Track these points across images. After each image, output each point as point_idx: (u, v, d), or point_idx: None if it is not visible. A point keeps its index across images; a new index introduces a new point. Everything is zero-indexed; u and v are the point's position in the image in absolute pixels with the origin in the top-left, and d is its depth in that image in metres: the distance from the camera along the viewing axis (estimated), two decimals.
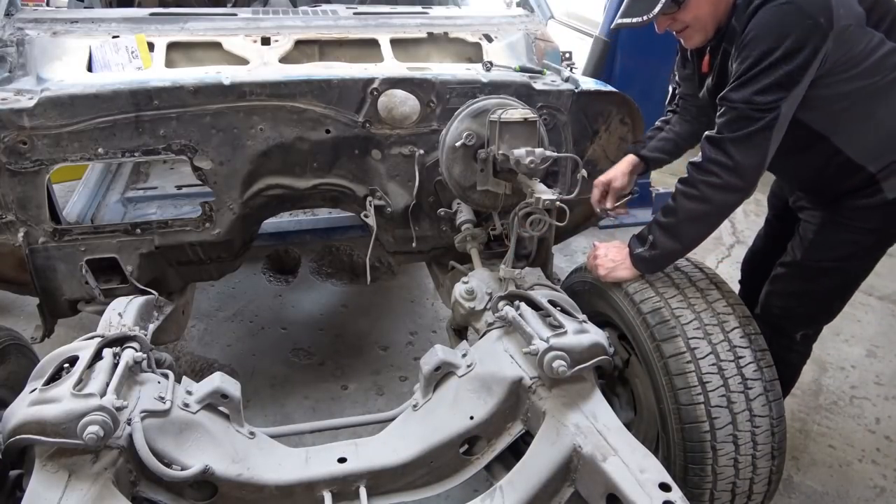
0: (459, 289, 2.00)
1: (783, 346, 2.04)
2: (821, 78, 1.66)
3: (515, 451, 1.74)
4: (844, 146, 1.78)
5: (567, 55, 2.41)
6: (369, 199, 2.13)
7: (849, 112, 1.74)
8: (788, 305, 2.06)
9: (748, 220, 4.45)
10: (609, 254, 1.93)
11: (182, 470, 1.49)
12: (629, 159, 2.14)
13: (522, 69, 2.25)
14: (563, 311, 1.80)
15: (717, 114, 1.71)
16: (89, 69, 2.11)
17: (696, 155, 1.80)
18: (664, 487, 1.44)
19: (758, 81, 1.61)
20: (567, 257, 3.84)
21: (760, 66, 1.60)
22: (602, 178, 2.13)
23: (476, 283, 2.01)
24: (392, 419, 1.82)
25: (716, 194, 1.71)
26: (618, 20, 1.79)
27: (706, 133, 1.74)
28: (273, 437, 1.75)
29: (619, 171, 2.12)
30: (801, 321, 2.09)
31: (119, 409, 1.44)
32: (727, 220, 4.28)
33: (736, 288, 1.97)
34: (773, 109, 1.61)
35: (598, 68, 3.90)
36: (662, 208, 1.82)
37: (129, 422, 1.48)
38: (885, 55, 1.68)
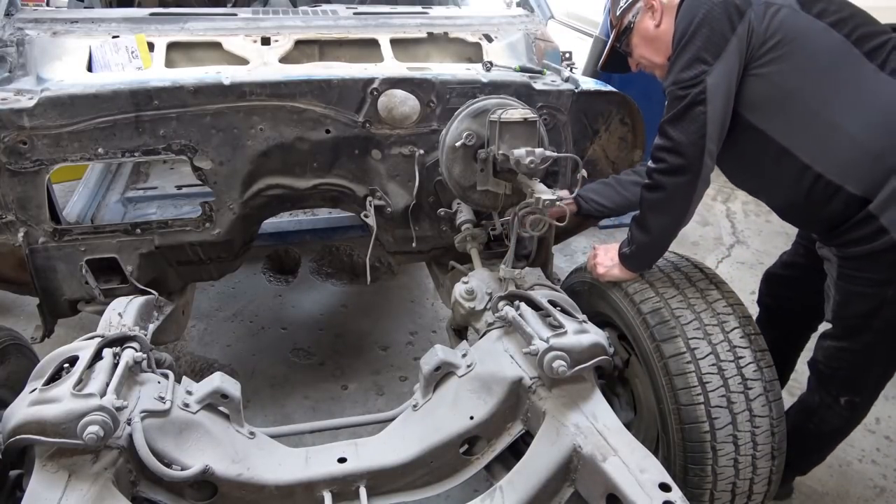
0: (459, 289, 2.00)
1: (825, 403, 1.92)
2: (758, 65, 1.65)
3: (515, 451, 1.74)
4: (812, 161, 1.67)
5: (567, 55, 2.41)
6: (369, 199, 2.13)
7: (805, 115, 1.66)
8: (829, 365, 1.89)
9: (748, 219, 4.45)
10: (607, 254, 1.95)
11: (182, 470, 1.49)
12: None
13: (522, 69, 2.25)
14: (563, 311, 1.80)
15: None
16: (89, 69, 2.11)
17: None
18: (664, 487, 1.44)
19: (679, 61, 1.66)
20: (567, 257, 3.84)
21: (678, 48, 1.67)
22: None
23: (476, 283, 2.01)
24: (392, 419, 1.82)
25: (666, 179, 1.72)
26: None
27: None
28: (273, 437, 1.75)
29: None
30: (842, 384, 1.89)
31: (119, 409, 1.44)
32: (727, 220, 4.35)
33: (736, 288, 1.95)
34: (698, 83, 1.62)
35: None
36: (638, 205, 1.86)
37: (129, 422, 1.49)
38: (832, 48, 1.63)
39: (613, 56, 2.02)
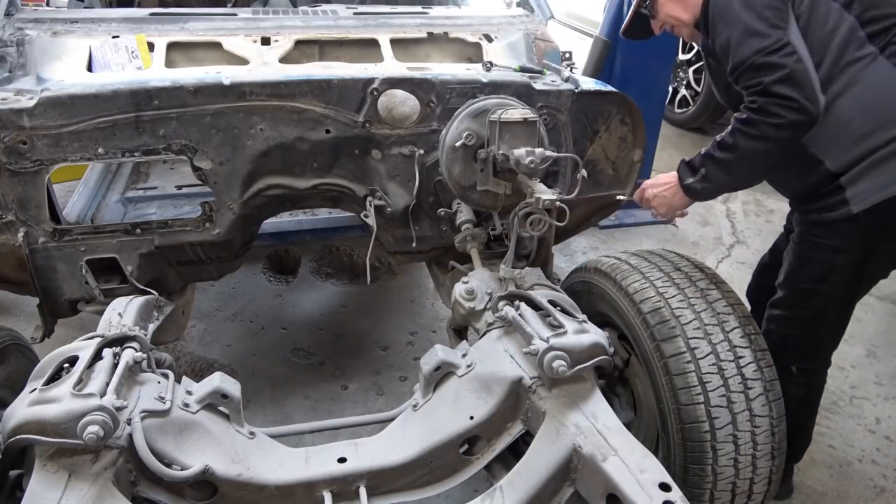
0: (459, 289, 2.00)
1: (782, 377, 1.89)
2: None
3: (515, 451, 1.74)
4: None
5: (567, 55, 2.41)
6: (369, 199, 2.13)
7: None
8: (780, 333, 2.01)
9: (748, 219, 4.45)
10: (658, 190, 2.00)
11: (182, 470, 1.49)
12: None
13: (522, 69, 2.25)
14: (563, 311, 1.80)
15: (740, 87, 1.76)
16: (89, 69, 2.11)
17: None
18: (664, 487, 1.44)
19: (750, 34, 1.67)
20: (567, 257, 3.84)
21: (742, 22, 1.69)
22: None
23: (476, 283, 2.01)
24: (392, 419, 1.82)
25: (779, 132, 1.70)
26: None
27: (746, 93, 1.75)
28: (273, 437, 1.75)
29: None
30: (794, 352, 2.01)
31: (119, 409, 1.44)
32: (727, 220, 4.36)
33: (736, 288, 1.94)
34: (782, 47, 1.64)
35: (598, 68, 3.90)
36: (718, 143, 1.83)
37: (129, 422, 1.49)
38: (844, 30, 1.68)
39: (636, 20, 2.06)
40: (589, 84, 2.17)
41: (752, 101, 1.71)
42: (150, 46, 2.18)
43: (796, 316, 1.96)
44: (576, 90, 2.12)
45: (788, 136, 1.71)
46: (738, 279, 3.58)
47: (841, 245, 1.79)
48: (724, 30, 1.74)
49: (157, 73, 2.04)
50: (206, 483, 1.55)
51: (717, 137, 1.84)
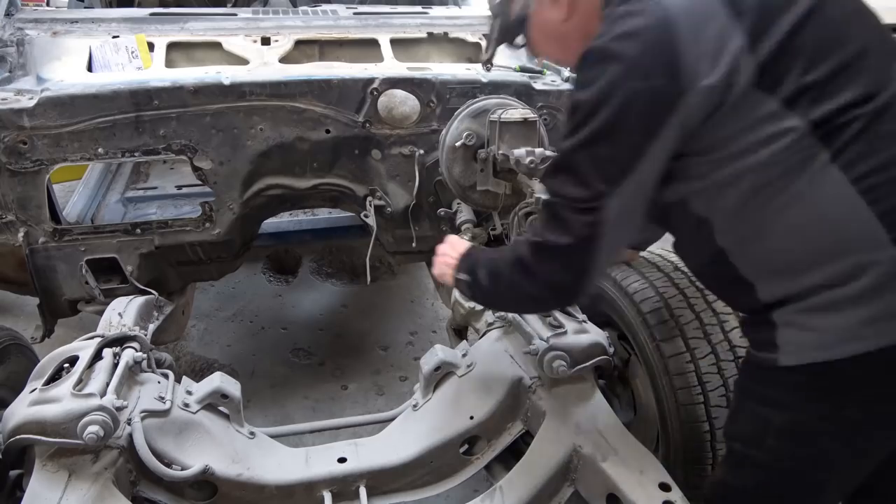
0: None
1: None
2: (681, 158, 1.14)
3: (515, 451, 1.74)
4: (727, 244, 1.19)
5: None
6: (369, 199, 2.13)
7: (735, 207, 1.14)
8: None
9: None
10: (442, 255, 1.57)
11: (182, 470, 1.49)
12: None
13: (522, 69, 2.24)
14: (563, 311, 1.80)
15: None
16: (89, 69, 2.11)
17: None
18: (664, 487, 1.44)
19: (569, 170, 1.16)
20: None
21: (568, 147, 1.15)
22: None
23: None
24: (392, 419, 1.82)
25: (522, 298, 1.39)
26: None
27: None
28: (273, 437, 1.75)
29: None
30: None
31: (119, 408, 1.44)
32: None
33: None
34: (592, 209, 1.14)
35: None
36: (488, 262, 1.42)
37: (129, 422, 1.48)
38: (780, 134, 1.06)
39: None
40: None
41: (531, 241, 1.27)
42: (150, 46, 2.18)
43: (727, 485, 1.36)
44: None
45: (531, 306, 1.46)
46: None
47: (779, 399, 1.19)
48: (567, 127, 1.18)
49: (157, 73, 2.04)
50: (206, 483, 1.55)
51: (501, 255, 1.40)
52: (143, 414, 1.51)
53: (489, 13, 1.47)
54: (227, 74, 1.92)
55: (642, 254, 2.03)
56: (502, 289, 1.38)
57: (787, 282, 1.15)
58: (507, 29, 1.43)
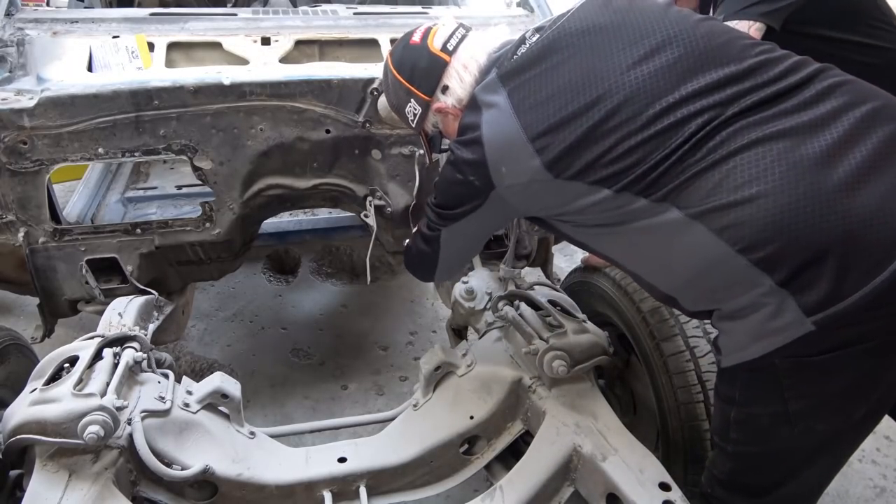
0: (459, 289, 2.01)
1: None
2: (538, 219, 1.49)
3: (515, 451, 1.74)
4: (636, 270, 1.41)
5: None
6: (369, 199, 2.13)
7: (620, 247, 1.39)
8: (706, 492, 1.51)
9: None
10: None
11: (182, 470, 1.50)
12: None
13: None
14: (563, 310, 1.80)
15: None
16: (89, 69, 2.10)
17: None
18: (664, 487, 1.44)
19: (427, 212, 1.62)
20: (567, 257, 3.84)
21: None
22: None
23: (476, 282, 2.01)
24: (392, 419, 1.82)
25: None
26: None
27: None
28: (273, 436, 1.75)
29: None
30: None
31: (119, 408, 1.44)
32: None
33: None
34: (434, 229, 1.59)
35: None
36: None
37: (129, 422, 1.49)
38: (603, 203, 1.27)
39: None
40: None
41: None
42: (151, 46, 2.18)
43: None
44: None
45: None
46: None
47: (730, 395, 1.33)
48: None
49: (157, 73, 2.04)
50: (207, 483, 1.55)
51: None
52: (143, 414, 1.51)
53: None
54: (227, 74, 1.92)
55: None
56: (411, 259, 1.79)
57: (699, 298, 1.30)
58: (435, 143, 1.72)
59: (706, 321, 1.43)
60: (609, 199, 1.26)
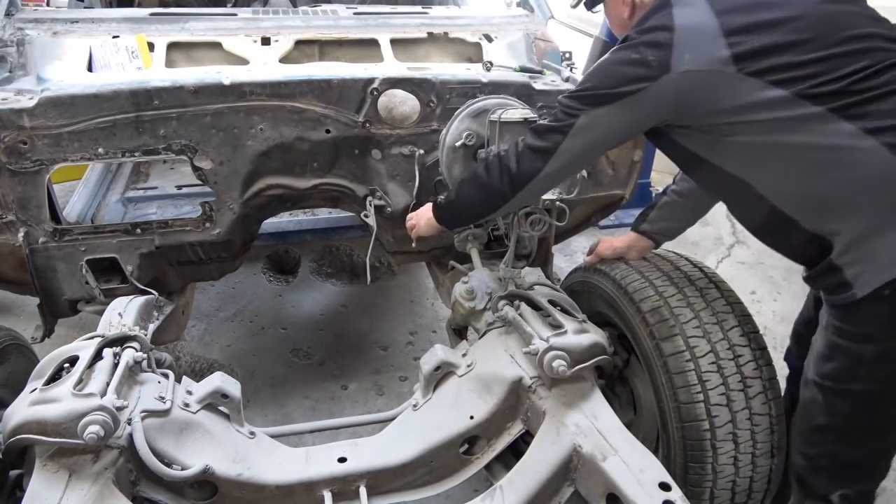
0: (459, 289, 2.01)
1: None
2: (685, 128, 1.48)
3: (515, 451, 1.74)
4: (766, 192, 1.44)
5: (567, 55, 2.41)
6: (369, 199, 2.13)
7: (761, 162, 1.43)
8: (809, 454, 1.57)
9: None
10: (419, 212, 1.96)
11: (182, 470, 1.50)
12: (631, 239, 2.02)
13: (522, 69, 2.25)
14: (563, 310, 1.80)
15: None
16: (89, 69, 2.11)
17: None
18: (664, 487, 1.44)
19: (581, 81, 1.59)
20: (567, 257, 3.84)
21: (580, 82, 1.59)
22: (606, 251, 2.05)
23: (476, 282, 2.01)
24: (392, 419, 1.82)
25: (492, 174, 1.68)
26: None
27: None
28: (273, 436, 1.75)
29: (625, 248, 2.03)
30: (832, 477, 1.55)
31: (119, 408, 1.44)
32: (727, 220, 4.35)
33: (736, 288, 1.93)
34: (571, 115, 1.51)
35: None
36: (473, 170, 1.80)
37: (129, 422, 1.49)
38: (776, 104, 1.35)
39: None
40: None
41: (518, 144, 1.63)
42: (151, 46, 2.19)
43: (827, 427, 1.51)
44: None
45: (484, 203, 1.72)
46: (738, 279, 3.58)
47: (868, 332, 1.37)
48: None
49: (157, 73, 2.04)
50: (207, 483, 1.55)
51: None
52: (143, 414, 1.51)
53: None
54: (227, 74, 1.92)
55: None
56: (466, 189, 1.76)
57: (835, 218, 1.36)
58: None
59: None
60: (785, 100, 1.33)
